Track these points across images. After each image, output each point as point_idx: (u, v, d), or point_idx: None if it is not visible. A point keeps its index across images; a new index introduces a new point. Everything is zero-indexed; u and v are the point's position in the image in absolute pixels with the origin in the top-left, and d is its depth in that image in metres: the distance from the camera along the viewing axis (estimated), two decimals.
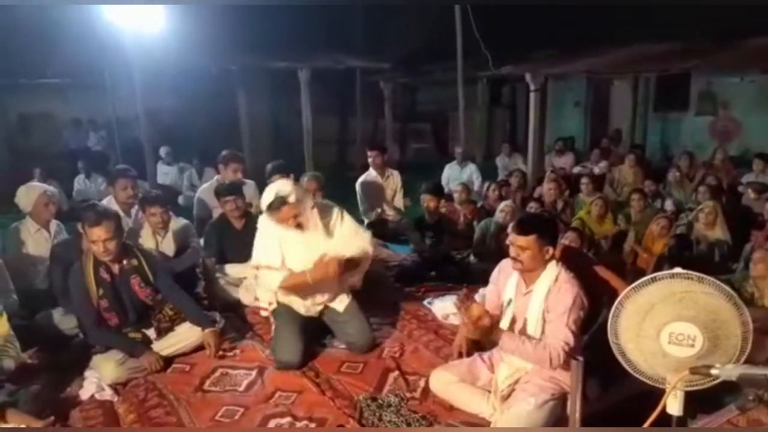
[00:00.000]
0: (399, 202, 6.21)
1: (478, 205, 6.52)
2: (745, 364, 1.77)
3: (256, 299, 3.83)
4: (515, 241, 2.72)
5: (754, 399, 1.29)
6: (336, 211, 3.53)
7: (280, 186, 3.28)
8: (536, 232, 2.71)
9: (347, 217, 3.57)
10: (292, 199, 3.20)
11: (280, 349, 3.38)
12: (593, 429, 2.44)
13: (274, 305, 3.56)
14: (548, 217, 4.11)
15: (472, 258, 5.22)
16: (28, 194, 4.24)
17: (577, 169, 9.04)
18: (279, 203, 3.19)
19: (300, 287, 3.40)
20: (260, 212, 3.50)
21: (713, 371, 1.48)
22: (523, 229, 2.71)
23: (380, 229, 5.61)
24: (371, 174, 6.07)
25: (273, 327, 3.58)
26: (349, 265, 3.38)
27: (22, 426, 2.66)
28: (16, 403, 2.77)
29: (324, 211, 3.46)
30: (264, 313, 3.69)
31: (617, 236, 5.61)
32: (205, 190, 5.24)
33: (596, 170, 8.63)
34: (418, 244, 5.05)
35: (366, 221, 5.91)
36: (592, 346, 2.77)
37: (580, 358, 2.22)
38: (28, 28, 8.02)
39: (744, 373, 1.33)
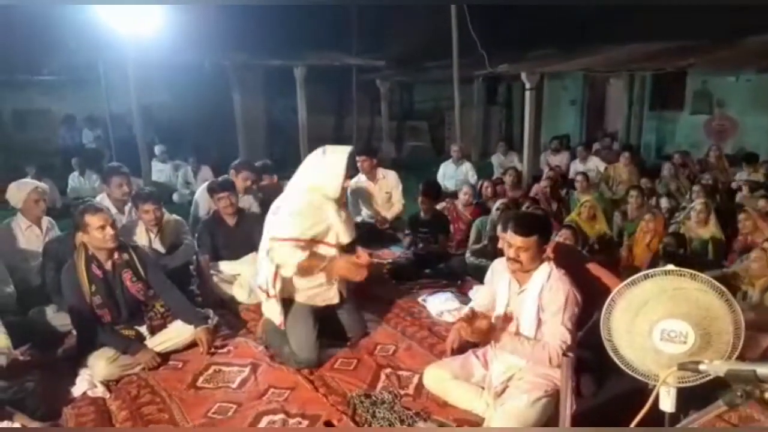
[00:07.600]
0: (397, 203, 6.09)
1: (475, 202, 6.50)
2: (734, 360, 1.77)
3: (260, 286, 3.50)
4: (515, 242, 2.66)
5: (742, 395, 1.28)
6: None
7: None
8: (537, 232, 2.68)
9: None
10: None
11: (299, 347, 3.33)
12: (584, 429, 2.44)
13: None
14: (544, 216, 4.10)
15: (468, 255, 5.21)
16: (19, 191, 4.22)
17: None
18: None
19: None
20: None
21: (701, 367, 1.47)
22: (524, 230, 2.66)
23: (368, 234, 5.46)
24: (361, 178, 6.03)
25: (287, 323, 3.41)
26: None
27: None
28: (15, 401, 2.77)
29: None
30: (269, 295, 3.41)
31: (608, 239, 5.60)
32: (203, 191, 5.15)
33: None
34: (412, 241, 5.06)
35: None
36: (586, 343, 2.77)
37: (570, 355, 2.22)
38: (24, 26, 7.99)
39: (731, 368, 1.32)
